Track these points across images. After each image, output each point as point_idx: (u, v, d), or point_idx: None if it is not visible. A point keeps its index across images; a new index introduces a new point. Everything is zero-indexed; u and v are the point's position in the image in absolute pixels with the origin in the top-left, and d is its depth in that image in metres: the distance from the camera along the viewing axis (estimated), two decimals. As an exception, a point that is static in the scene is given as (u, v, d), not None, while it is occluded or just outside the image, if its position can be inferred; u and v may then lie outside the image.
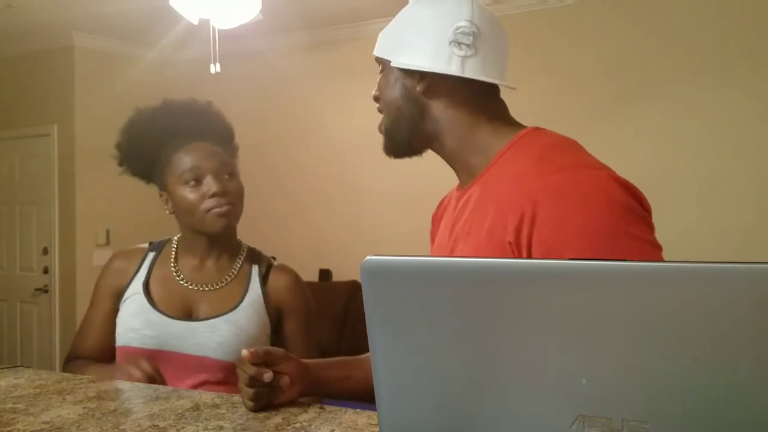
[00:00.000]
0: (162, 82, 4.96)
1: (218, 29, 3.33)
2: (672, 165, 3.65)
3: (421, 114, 1.07)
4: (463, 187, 1.10)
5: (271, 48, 4.82)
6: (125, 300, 1.44)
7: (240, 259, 1.49)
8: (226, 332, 1.38)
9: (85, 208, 4.61)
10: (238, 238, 1.54)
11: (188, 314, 1.41)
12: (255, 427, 0.94)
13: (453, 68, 1.02)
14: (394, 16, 1.10)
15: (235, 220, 1.45)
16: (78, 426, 0.97)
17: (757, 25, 3.54)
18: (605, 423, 0.56)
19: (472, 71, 1.02)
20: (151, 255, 1.50)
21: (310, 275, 4.70)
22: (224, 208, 1.40)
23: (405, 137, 1.09)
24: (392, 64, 1.07)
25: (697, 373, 0.53)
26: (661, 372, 0.54)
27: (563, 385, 0.58)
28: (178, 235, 1.51)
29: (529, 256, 0.89)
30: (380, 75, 1.12)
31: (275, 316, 1.46)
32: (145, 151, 1.45)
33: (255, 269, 1.48)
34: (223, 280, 1.45)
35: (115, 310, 1.45)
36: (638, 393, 0.55)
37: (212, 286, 1.44)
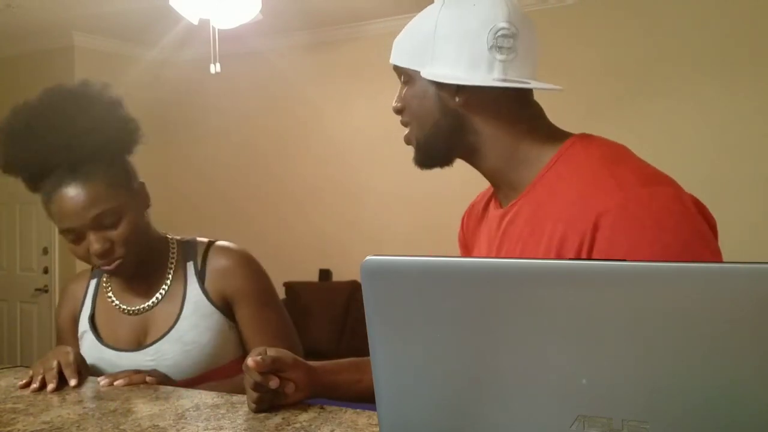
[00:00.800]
0: (162, 82, 4.96)
1: (218, 29, 3.33)
2: (672, 165, 3.62)
3: (461, 127, 0.99)
4: (504, 203, 1.03)
5: (271, 48, 4.82)
6: (80, 336, 1.39)
7: (171, 264, 1.36)
8: (172, 354, 1.29)
9: (85, 208, 4.61)
10: (168, 236, 1.40)
11: (137, 342, 1.33)
12: (255, 427, 0.94)
13: (496, 75, 0.94)
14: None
15: (130, 264, 1.27)
16: (78, 426, 0.97)
17: (758, 24, 3.54)
18: (605, 423, 0.56)
19: (515, 75, 0.95)
20: (93, 283, 1.42)
21: (310, 275, 4.71)
22: (113, 266, 1.25)
23: (442, 152, 1.03)
24: (424, 76, 0.98)
25: (697, 373, 0.53)
26: (661, 372, 0.54)
27: (563, 385, 0.58)
28: None
29: None
30: (403, 85, 1.03)
31: (226, 307, 1.33)
32: (23, 177, 1.27)
33: (190, 266, 1.35)
34: (158, 295, 1.34)
35: (76, 338, 1.40)
36: (638, 393, 0.55)
37: (148, 305, 1.34)
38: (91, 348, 1.36)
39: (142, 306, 1.35)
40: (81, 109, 1.26)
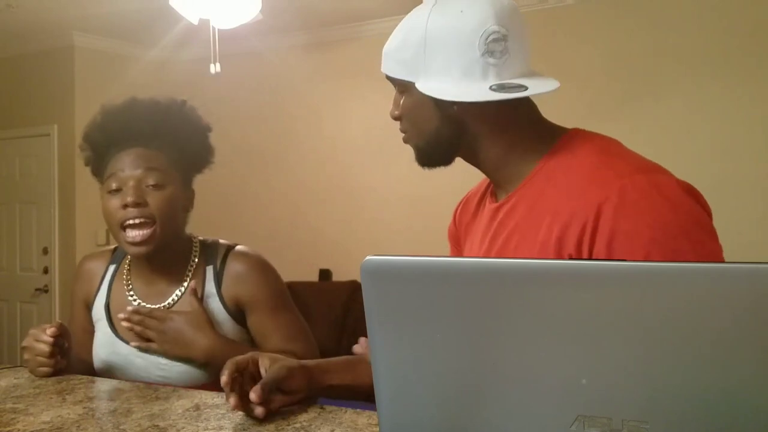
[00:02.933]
0: (162, 82, 4.96)
1: (218, 29, 3.33)
2: (673, 164, 3.62)
3: (461, 131, 1.01)
4: (499, 198, 1.05)
5: (271, 48, 4.82)
6: (95, 322, 1.40)
7: (192, 264, 1.37)
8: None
9: (85, 208, 4.61)
10: (193, 236, 1.42)
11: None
12: (255, 427, 0.94)
13: (491, 81, 0.95)
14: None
15: (158, 243, 1.28)
16: (78, 426, 0.97)
17: (759, 23, 3.54)
18: (605, 423, 0.56)
19: (512, 75, 0.96)
20: (111, 268, 1.42)
21: (310, 275, 4.70)
22: (136, 236, 1.26)
23: (443, 155, 1.04)
24: (419, 88, 0.98)
25: (697, 373, 0.53)
26: (661, 372, 0.54)
27: (563, 385, 0.58)
28: None
29: None
30: (399, 94, 1.04)
31: (238, 314, 1.35)
32: (97, 152, 1.36)
33: (210, 270, 1.36)
34: (176, 295, 1.34)
35: (90, 320, 1.41)
36: (638, 393, 0.55)
37: (165, 305, 1.34)
38: (105, 338, 1.37)
39: (159, 305, 1.35)
40: (177, 110, 1.39)
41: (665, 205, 0.85)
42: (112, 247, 1.47)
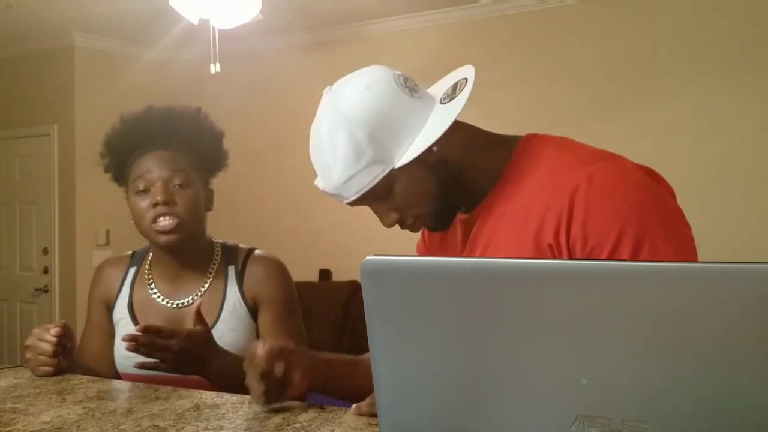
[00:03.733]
0: (162, 82, 4.96)
1: (218, 29, 3.33)
2: (673, 165, 3.62)
3: (451, 168, 1.00)
4: (468, 210, 1.06)
5: (271, 48, 4.82)
6: (117, 322, 1.44)
7: (214, 264, 1.43)
8: None
9: (85, 208, 4.61)
10: (213, 238, 1.48)
11: None
12: (255, 427, 0.94)
13: (434, 104, 0.99)
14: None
15: (185, 235, 1.36)
16: (78, 426, 0.97)
17: (758, 24, 3.54)
18: (605, 423, 0.56)
19: (458, 103, 0.97)
20: (132, 270, 1.47)
21: (310, 275, 4.70)
22: (167, 223, 1.33)
23: (454, 202, 1.04)
24: (401, 163, 0.95)
25: (697, 373, 0.53)
26: (661, 372, 0.54)
27: (563, 385, 0.58)
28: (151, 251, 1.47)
29: (569, 254, 0.90)
30: (380, 204, 1.02)
31: (255, 310, 1.41)
32: (119, 158, 1.42)
33: (231, 270, 1.43)
34: (198, 292, 1.40)
35: (110, 320, 1.45)
36: (638, 393, 0.55)
37: (189, 301, 1.40)
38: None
39: (182, 301, 1.40)
40: (191, 116, 1.46)
41: (632, 186, 0.90)
42: (130, 252, 1.52)
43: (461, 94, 0.98)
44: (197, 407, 1.04)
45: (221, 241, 1.48)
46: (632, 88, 3.82)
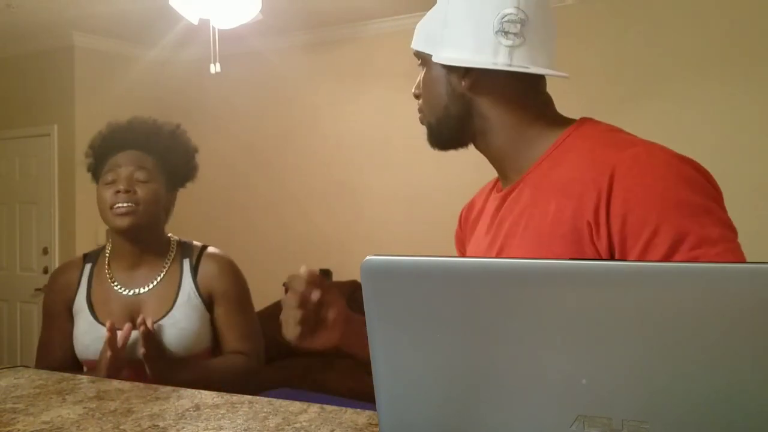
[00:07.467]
0: (162, 82, 4.96)
1: (218, 29, 3.33)
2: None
3: (469, 111, 1.02)
4: (505, 185, 1.05)
5: (271, 48, 4.82)
6: (76, 315, 1.52)
7: (170, 256, 1.55)
8: (169, 335, 1.45)
9: (85, 208, 4.61)
10: (171, 235, 1.59)
11: (132, 322, 1.46)
12: (255, 427, 0.94)
13: (500, 60, 0.96)
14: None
15: (140, 220, 1.48)
16: (78, 426, 0.97)
17: (759, 24, 3.54)
18: (605, 423, 0.56)
19: (521, 62, 0.97)
20: (87, 267, 1.57)
21: (310, 275, 4.70)
22: (124, 208, 1.45)
23: (452, 135, 1.05)
24: (434, 59, 1.01)
25: (697, 373, 0.53)
26: (661, 372, 0.54)
27: (563, 385, 0.58)
28: (109, 244, 1.58)
29: (608, 232, 0.86)
30: (421, 70, 1.06)
31: (209, 303, 1.52)
32: (99, 158, 1.55)
33: (186, 263, 1.54)
34: (155, 279, 1.52)
35: (70, 319, 1.53)
36: (638, 393, 0.55)
37: (146, 287, 1.51)
38: (88, 326, 1.48)
39: (139, 289, 1.51)
40: (170, 132, 1.60)
41: (680, 169, 0.87)
42: (81, 255, 1.62)
43: (513, 68, 0.96)
44: (197, 407, 1.05)
45: (177, 237, 1.60)
46: (632, 89, 3.82)
